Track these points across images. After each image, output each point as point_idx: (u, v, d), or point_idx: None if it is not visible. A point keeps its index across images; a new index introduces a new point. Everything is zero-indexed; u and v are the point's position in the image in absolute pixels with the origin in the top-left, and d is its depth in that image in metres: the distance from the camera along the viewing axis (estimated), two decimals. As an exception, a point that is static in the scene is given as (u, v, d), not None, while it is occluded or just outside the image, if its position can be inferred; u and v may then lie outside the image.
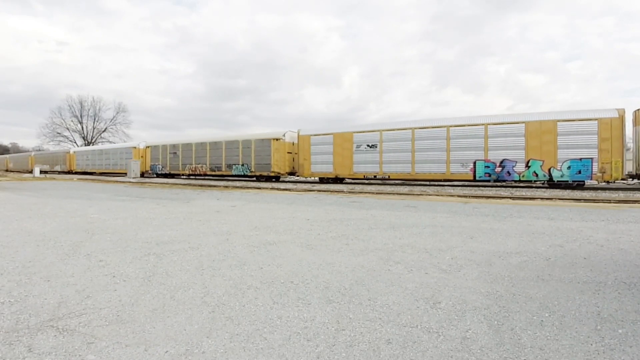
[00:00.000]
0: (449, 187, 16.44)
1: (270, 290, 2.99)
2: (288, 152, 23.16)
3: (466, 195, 12.43)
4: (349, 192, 14.21)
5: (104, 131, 62.77)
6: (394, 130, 18.65)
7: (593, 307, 2.59)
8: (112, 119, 62.42)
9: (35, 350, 2.01)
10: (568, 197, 11.06)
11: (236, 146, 24.99)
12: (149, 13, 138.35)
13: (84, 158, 40.77)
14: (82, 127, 62.07)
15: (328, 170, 20.75)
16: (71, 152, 44.04)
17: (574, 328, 2.26)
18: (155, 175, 31.31)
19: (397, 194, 13.23)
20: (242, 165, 24.54)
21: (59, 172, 43.55)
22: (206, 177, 28.14)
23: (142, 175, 32.49)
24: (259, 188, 17.02)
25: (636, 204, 9.31)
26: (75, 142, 61.69)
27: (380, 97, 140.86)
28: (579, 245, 4.63)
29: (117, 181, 24.55)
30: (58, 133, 60.87)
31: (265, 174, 23.46)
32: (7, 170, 54.99)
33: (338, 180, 21.08)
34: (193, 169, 27.65)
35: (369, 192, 13.88)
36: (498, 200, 10.62)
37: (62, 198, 11.72)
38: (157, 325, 2.34)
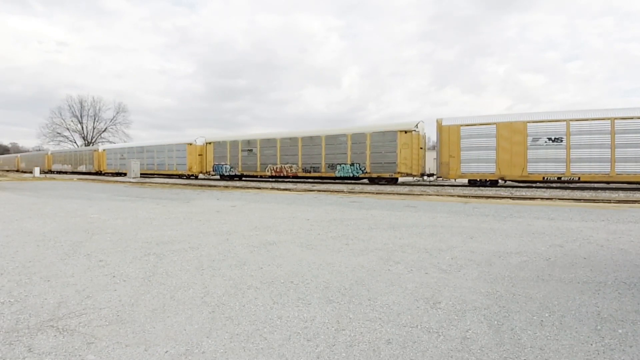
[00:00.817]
0: (449, 187, 16.42)
1: (270, 290, 2.99)
2: (420, 148, 18.41)
3: (466, 195, 12.43)
4: (349, 192, 14.21)
5: (104, 131, 62.79)
6: (586, 120, 14.60)
7: (593, 307, 2.59)
8: (112, 119, 62.38)
9: (35, 350, 2.01)
10: (568, 197, 11.06)
11: (343, 141, 20.07)
12: (148, 13, 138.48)
13: (118, 157, 34.35)
14: (82, 127, 62.08)
15: (488, 170, 16.22)
16: (100, 149, 37.72)
17: (574, 328, 2.26)
18: (219, 177, 26.59)
19: (397, 194, 13.23)
20: (352, 165, 19.66)
21: (85, 174, 38.13)
22: (297, 180, 23.28)
23: (193, 177, 27.73)
24: (259, 188, 17.02)
25: (636, 204, 9.31)
26: (75, 142, 61.75)
27: (380, 97, 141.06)
28: (579, 245, 4.63)
29: (117, 181, 24.56)
30: (58, 133, 60.88)
31: (386, 175, 18.55)
32: (17, 171, 51.76)
33: (494, 182, 16.68)
34: (277, 170, 22.74)
35: (369, 192, 13.88)
36: (498, 200, 10.62)
37: (62, 198, 11.72)
38: (157, 325, 2.34)
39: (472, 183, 17.09)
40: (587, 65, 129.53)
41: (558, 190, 14.34)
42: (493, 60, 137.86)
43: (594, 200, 10.25)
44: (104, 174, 35.90)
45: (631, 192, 13.38)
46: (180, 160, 28.44)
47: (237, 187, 17.70)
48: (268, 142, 23.45)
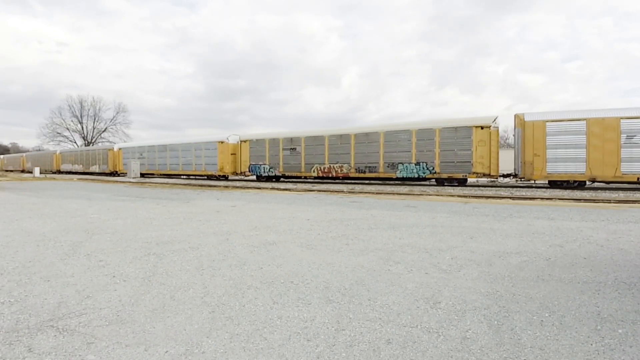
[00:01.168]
0: (449, 187, 16.42)
1: (270, 290, 3.00)
2: (499, 146, 16.78)
3: (466, 195, 12.43)
4: (349, 192, 14.22)
5: (104, 131, 62.90)
6: None
7: (593, 307, 2.59)
8: (112, 119, 62.43)
9: (35, 350, 2.01)
10: (568, 197, 11.06)
11: (405, 138, 18.03)
12: (148, 13, 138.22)
13: (136, 156, 31.73)
14: (82, 127, 62.14)
15: (577, 170, 14.79)
16: (115, 148, 35.02)
17: (574, 328, 2.27)
18: (255, 179, 24.72)
19: (397, 194, 13.23)
20: (417, 164, 17.62)
21: (98, 174, 35.59)
22: (349, 181, 21.54)
23: (223, 178, 25.71)
24: (259, 188, 17.02)
25: (636, 204, 9.31)
26: (75, 142, 61.79)
27: (380, 97, 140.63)
28: (579, 245, 4.63)
29: (117, 181, 24.56)
30: (58, 133, 60.92)
31: (459, 176, 16.67)
32: (23, 171, 49.39)
33: (582, 184, 15.24)
34: (325, 170, 20.61)
35: (369, 192, 13.88)
36: (498, 200, 10.63)
37: (62, 198, 11.72)
38: (157, 325, 2.34)
39: (556, 185, 15.51)
40: (587, 65, 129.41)
41: (558, 190, 14.33)
42: (492, 61, 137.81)
43: (594, 200, 10.25)
44: (119, 175, 33.47)
45: (631, 192, 13.38)
46: (209, 159, 25.84)
47: (237, 187, 17.71)
48: (314, 140, 21.17)
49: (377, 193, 13.58)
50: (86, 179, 27.59)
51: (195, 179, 27.49)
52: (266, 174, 23.43)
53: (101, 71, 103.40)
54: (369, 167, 19.29)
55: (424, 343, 2.09)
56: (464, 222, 6.55)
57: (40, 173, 37.77)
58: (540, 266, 3.66)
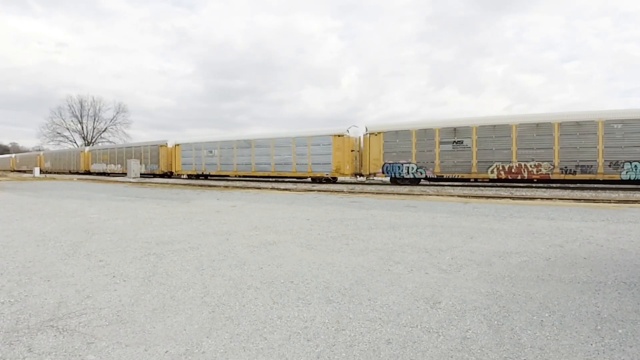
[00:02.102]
0: (449, 187, 16.40)
1: (270, 290, 3.00)
2: None
3: (466, 195, 12.43)
4: (349, 192, 14.22)
5: (104, 131, 62.74)
6: None
7: (593, 307, 2.59)
8: (112, 119, 62.19)
9: (35, 350, 2.01)
10: (568, 197, 11.06)
11: (636, 130, 14.01)
12: (148, 14, 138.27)
13: (202, 154, 26.07)
14: (82, 127, 61.96)
15: None
16: (169, 144, 28.35)
17: (574, 328, 2.27)
18: (389, 181, 19.18)
19: (397, 194, 13.23)
20: None
21: (146, 176, 29.80)
22: (547, 184, 16.33)
23: (332, 180, 20.67)
24: (259, 188, 17.02)
25: (636, 204, 9.30)
26: (75, 142, 61.66)
27: (379, 98, 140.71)
28: (579, 245, 4.63)
29: (116, 181, 24.55)
30: (58, 133, 60.77)
31: None
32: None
33: None
34: (512, 171, 15.75)
35: (369, 192, 13.88)
36: (498, 200, 10.62)
37: (62, 198, 11.72)
38: (157, 325, 2.34)
39: None
40: (585, 65, 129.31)
41: (558, 190, 14.33)
42: (491, 61, 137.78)
43: (594, 200, 10.25)
44: (175, 176, 28.25)
45: (631, 192, 13.38)
46: (318, 158, 20.50)
47: (237, 187, 17.71)
48: (494, 130, 16.14)
49: (377, 193, 13.59)
50: (86, 179, 27.57)
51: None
52: (411, 175, 17.99)
53: (101, 71, 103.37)
54: (581, 166, 14.83)
55: (424, 343, 2.09)
56: (464, 222, 6.55)
57: (40, 173, 37.47)
58: (540, 266, 3.66)
